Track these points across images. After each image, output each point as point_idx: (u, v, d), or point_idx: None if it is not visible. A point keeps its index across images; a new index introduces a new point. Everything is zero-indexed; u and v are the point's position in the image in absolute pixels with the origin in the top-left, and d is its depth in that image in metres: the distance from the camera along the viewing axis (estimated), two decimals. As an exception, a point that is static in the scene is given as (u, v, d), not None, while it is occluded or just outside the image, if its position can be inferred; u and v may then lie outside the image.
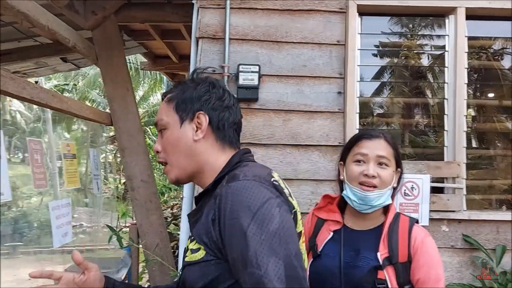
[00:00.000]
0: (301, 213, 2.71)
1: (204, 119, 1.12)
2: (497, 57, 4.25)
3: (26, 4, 2.38)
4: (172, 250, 4.00)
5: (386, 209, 1.53)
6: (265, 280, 0.86)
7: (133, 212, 4.07)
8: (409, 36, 4.15)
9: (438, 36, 3.10)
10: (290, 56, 2.80)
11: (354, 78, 2.77)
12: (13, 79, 2.18)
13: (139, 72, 15.92)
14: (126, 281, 3.63)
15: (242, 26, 2.81)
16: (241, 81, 2.70)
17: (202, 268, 0.99)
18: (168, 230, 4.20)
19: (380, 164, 1.48)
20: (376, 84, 6.71)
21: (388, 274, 1.40)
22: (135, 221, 3.80)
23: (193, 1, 2.86)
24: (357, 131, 2.71)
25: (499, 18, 2.90)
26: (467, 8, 2.80)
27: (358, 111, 2.79)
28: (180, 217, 4.27)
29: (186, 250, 1.09)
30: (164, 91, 1.42)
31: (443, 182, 2.78)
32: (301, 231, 1.09)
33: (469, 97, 2.92)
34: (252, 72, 2.72)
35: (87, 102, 16.10)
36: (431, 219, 2.67)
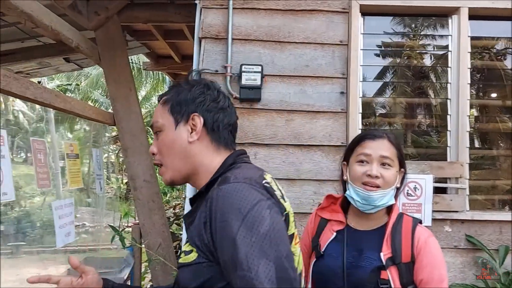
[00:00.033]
0: (304, 213, 2.72)
1: (198, 121, 1.13)
2: (499, 57, 4.24)
3: (30, 5, 2.38)
4: (175, 250, 4.01)
5: (389, 209, 1.53)
6: (255, 282, 0.87)
7: (135, 212, 4.08)
8: (411, 36, 4.14)
9: (441, 36, 3.10)
10: (292, 56, 2.80)
11: (357, 78, 2.77)
12: (17, 79, 2.18)
13: (141, 72, 15.95)
14: (128, 282, 3.63)
15: (244, 26, 2.81)
16: (243, 81, 2.70)
17: (194, 270, 1.00)
18: (170, 230, 4.20)
19: (383, 164, 1.48)
20: (379, 84, 6.70)
21: (391, 274, 1.40)
22: (137, 221, 3.80)
23: (195, 1, 2.86)
24: (359, 131, 2.71)
25: (502, 18, 2.89)
26: (470, 8, 2.79)
27: (360, 111, 2.79)
28: (182, 217, 4.28)
29: (181, 251, 1.09)
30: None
31: (446, 182, 2.78)
32: (293, 233, 1.08)
33: (471, 97, 2.91)
34: (255, 72, 2.72)
35: (89, 102, 16.14)
36: (434, 220, 2.67)
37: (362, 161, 1.50)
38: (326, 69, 2.80)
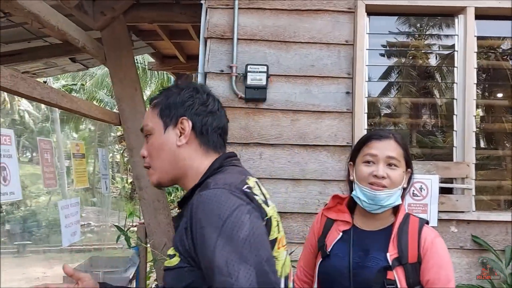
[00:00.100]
0: (309, 213, 2.72)
1: (187, 124, 1.13)
2: (505, 57, 4.22)
3: (37, 5, 2.40)
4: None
5: (395, 209, 1.52)
6: None
7: (141, 212, 4.09)
8: (416, 35, 4.13)
9: (446, 36, 3.09)
10: (298, 56, 2.80)
11: (363, 78, 2.76)
12: (24, 79, 2.20)
13: (146, 72, 15.98)
14: (133, 282, 3.65)
15: (250, 26, 2.81)
16: (249, 81, 2.70)
17: (177, 274, 1.01)
18: (175, 230, 4.21)
19: (389, 165, 1.47)
20: (384, 84, 6.68)
21: (397, 275, 1.39)
22: (142, 221, 3.82)
23: (201, 2, 2.87)
24: (365, 132, 2.71)
25: (508, 18, 2.88)
26: (476, 8, 2.78)
27: (366, 111, 2.78)
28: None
29: (167, 254, 1.10)
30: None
31: (451, 183, 2.77)
32: (276, 238, 1.08)
33: (477, 97, 2.90)
34: (260, 72, 2.72)
35: (94, 102, 16.19)
36: (439, 220, 2.66)
37: (368, 162, 1.49)
38: (331, 69, 2.80)
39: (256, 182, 1.12)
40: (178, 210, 1.16)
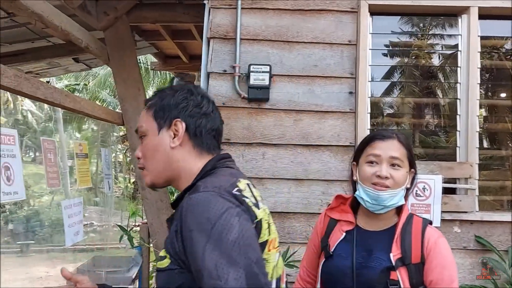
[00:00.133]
0: (312, 213, 2.71)
1: (180, 126, 1.13)
2: (509, 56, 4.21)
3: (40, 5, 2.41)
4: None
5: (399, 210, 1.52)
6: None
7: (143, 212, 4.10)
8: (419, 35, 4.13)
9: (450, 36, 3.09)
10: (301, 56, 2.80)
11: (366, 78, 2.76)
12: (28, 80, 2.21)
13: (149, 72, 16.02)
14: (136, 281, 3.66)
15: (253, 26, 2.81)
16: (252, 81, 2.70)
17: (167, 275, 1.01)
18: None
19: (393, 165, 1.47)
20: (387, 84, 6.67)
21: (400, 275, 1.39)
22: (145, 221, 3.82)
23: (204, 2, 2.87)
24: (368, 132, 2.71)
25: (511, 17, 2.87)
26: (480, 8, 2.78)
27: (369, 111, 2.78)
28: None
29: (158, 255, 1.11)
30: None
31: (455, 183, 2.76)
32: (267, 240, 1.08)
33: (480, 97, 2.89)
34: (263, 72, 2.72)
35: (97, 102, 16.22)
36: (443, 220, 2.66)
37: (371, 162, 1.49)
38: (334, 69, 2.79)
39: (247, 184, 1.12)
40: (174, 211, 1.17)
